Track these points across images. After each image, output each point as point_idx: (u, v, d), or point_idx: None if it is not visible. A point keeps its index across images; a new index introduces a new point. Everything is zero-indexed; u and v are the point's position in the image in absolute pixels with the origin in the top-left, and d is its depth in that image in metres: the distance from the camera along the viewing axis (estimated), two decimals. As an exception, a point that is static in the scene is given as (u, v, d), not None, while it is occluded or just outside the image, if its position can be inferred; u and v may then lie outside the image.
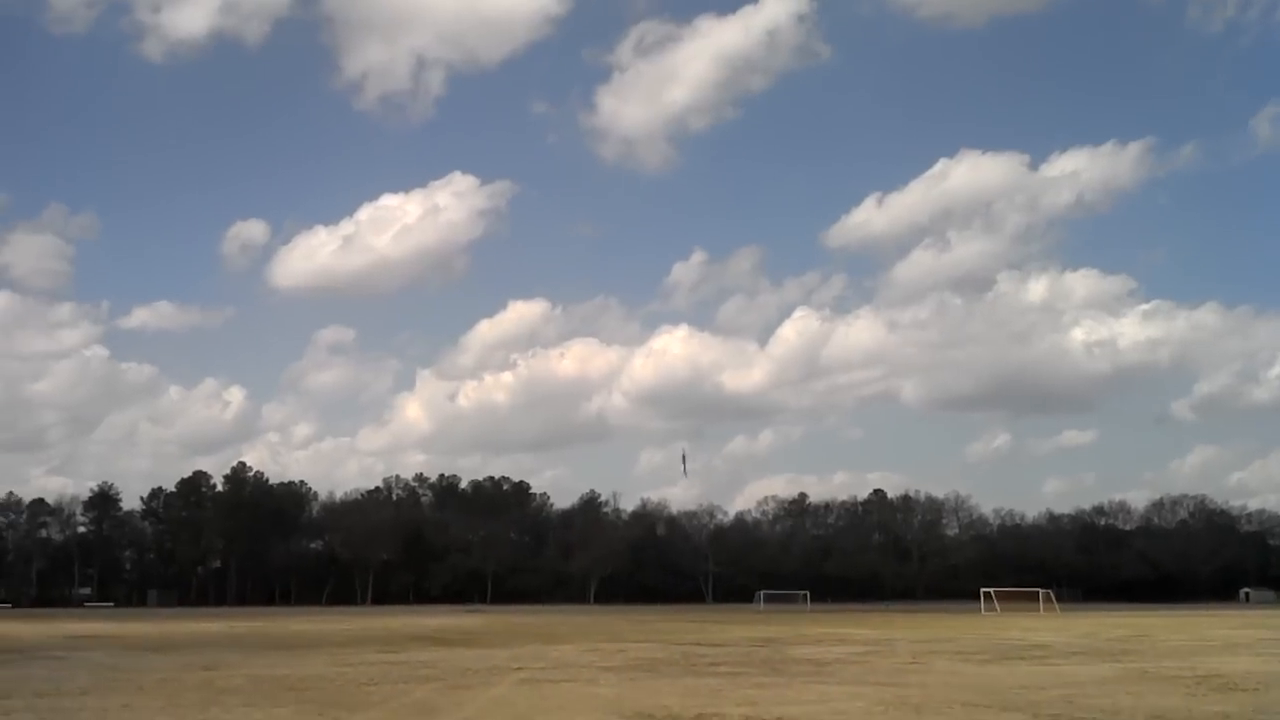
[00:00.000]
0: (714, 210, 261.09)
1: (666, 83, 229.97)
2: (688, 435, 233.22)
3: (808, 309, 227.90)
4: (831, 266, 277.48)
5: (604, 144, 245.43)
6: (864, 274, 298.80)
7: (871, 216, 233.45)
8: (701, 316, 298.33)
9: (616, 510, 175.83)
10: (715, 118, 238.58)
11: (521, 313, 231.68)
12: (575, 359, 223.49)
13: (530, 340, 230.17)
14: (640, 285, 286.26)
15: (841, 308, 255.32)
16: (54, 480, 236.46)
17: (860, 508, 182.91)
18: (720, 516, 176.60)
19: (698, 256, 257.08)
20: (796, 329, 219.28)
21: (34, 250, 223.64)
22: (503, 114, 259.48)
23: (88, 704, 20.16)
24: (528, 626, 63.62)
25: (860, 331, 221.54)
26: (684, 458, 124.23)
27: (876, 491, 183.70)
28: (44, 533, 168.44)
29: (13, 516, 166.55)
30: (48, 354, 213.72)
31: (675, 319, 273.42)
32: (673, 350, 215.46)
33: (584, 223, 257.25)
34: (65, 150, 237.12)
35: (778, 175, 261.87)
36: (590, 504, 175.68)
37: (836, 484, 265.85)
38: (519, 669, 28.96)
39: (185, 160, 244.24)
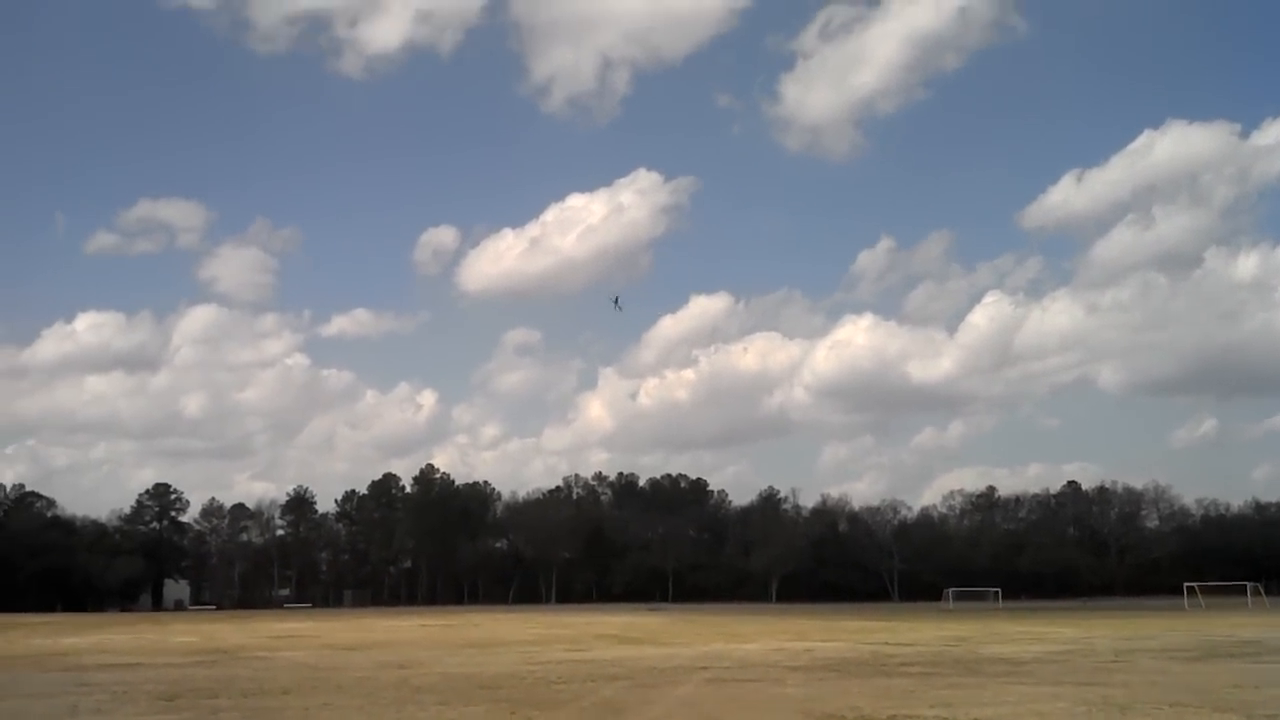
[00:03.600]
0: (903, 196, 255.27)
1: (854, 67, 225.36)
2: (871, 428, 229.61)
3: (1000, 293, 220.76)
4: (1027, 249, 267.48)
5: (788, 133, 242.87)
6: (1061, 255, 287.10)
7: (1070, 195, 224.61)
8: (887, 305, 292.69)
9: (796, 507, 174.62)
10: (904, 100, 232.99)
11: (704, 307, 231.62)
12: (757, 353, 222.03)
13: (712, 335, 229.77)
14: (824, 276, 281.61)
15: (1036, 291, 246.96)
16: (258, 485, 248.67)
17: (1053, 500, 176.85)
18: (905, 512, 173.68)
19: (885, 244, 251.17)
20: (988, 315, 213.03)
21: (240, 264, 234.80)
22: (687, 109, 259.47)
23: (290, 703, 20.81)
24: (711, 625, 63.55)
25: (1056, 315, 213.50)
26: (616, 300, 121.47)
27: (1071, 483, 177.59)
28: (245, 536, 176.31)
29: (215, 522, 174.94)
30: (253, 363, 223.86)
31: (860, 309, 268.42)
32: (857, 341, 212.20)
33: (767, 214, 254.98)
34: (269, 167, 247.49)
35: (970, 157, 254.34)
36: (769, 500, 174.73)
37: (1030, 476, 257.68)
38: (705, 668, 28.81)
39: (380, 171, 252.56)
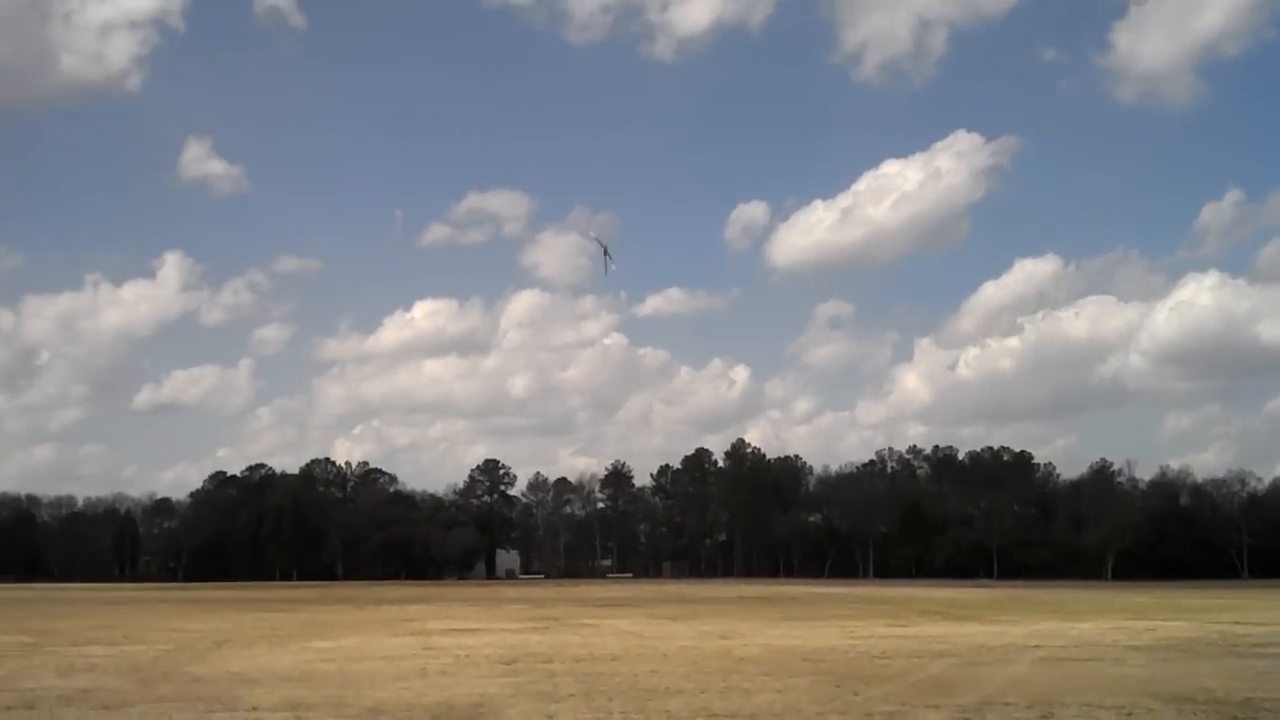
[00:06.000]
0: (1252, 144, 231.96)
1: (1194, 9, 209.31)
2: (1218, 395, 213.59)
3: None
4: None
5: (1121, 84, 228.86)
6: None
7: None
8: (1236, 262, 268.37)
9: (1132, 479, 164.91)
10: (1251, 41, 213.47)
11: (1029, 272, 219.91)
12: (1088, 318, 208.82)
13: (1038, 301, 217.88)
14: (1164, 233, 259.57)
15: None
16: (580, 460, 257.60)
17: None
18: (1255, 484, 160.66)
19: (1232, 196, 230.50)
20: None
21: (560, 250, 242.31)
22: (1009, 66, 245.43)
23: (619, 669, 21.43)
24: (1040, 602, 61.13)
25: None
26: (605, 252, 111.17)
27: None
28: (568, 509, 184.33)
29: (541, 495, 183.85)
30: (574, 344, 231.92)
31: (1204, 267, 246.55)
32: (1201, 302, 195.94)
33: (1098, 171, 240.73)
34: (586, 154, 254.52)
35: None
36: (1101, 473, 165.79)
37: None
38: (1037, 646, 27.70)
39: (691, 151, 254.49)
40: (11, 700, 16.62)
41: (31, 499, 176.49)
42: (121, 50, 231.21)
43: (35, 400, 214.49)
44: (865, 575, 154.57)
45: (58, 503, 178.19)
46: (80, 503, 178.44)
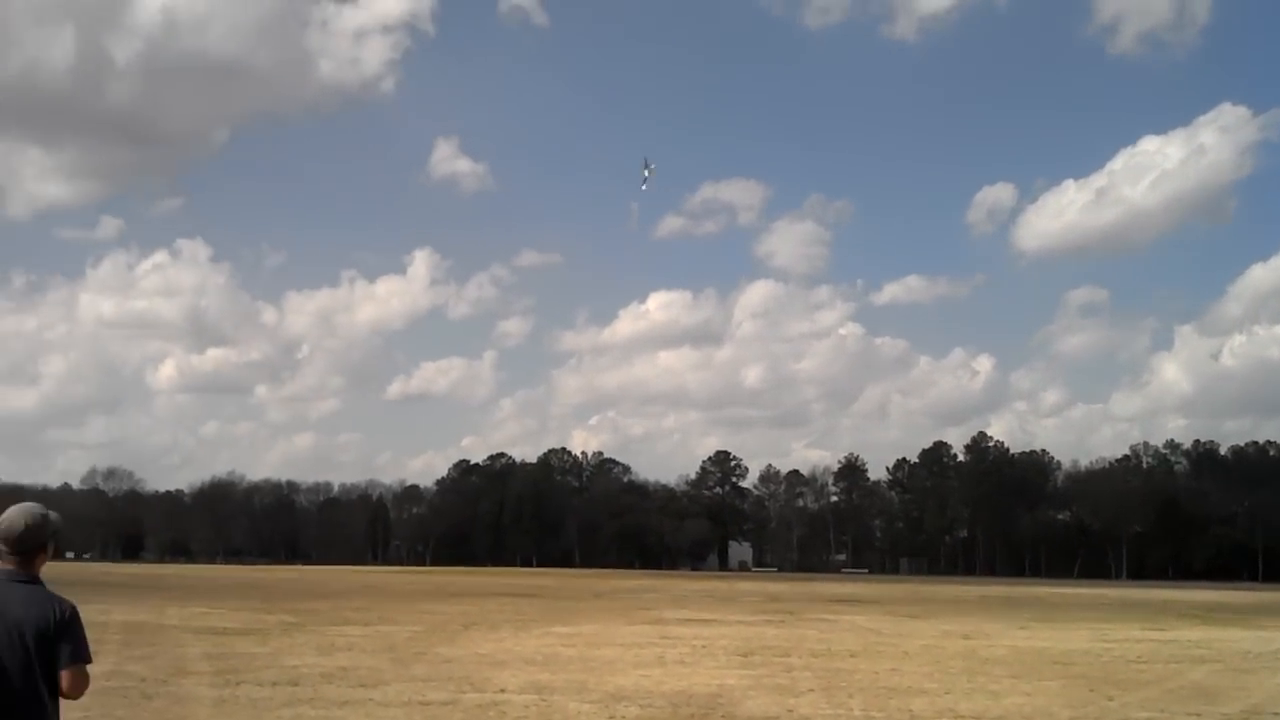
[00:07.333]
0: None
1: None
2: None
3: None
4: None
5: None
6: None
7: None
8: None
9: None
10: None
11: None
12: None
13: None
14: None
15: None
16: (813, 452, 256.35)
17: None
18: None
19: None
20: None
21: (795, 238, 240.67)
22: (1279, 33, 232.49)
23: (858, 665, 21.12)
24: (1312, 608, 56.96)
25: None
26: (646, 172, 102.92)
27: None
28: (800, 502, 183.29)
29: (773, 487, 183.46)
30: (808, 334, 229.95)
31: None
32: None
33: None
34: (823, 141, 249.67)
35: None
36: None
37: None
38: (1311, 655, 25.87)
39: (932, 134, 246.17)
40: (277, 676, 17.65)
41: (292, 485, 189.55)
42: (375, 54, 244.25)
43: (297, 391, 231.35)
44: (1118, 576, 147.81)
45: (316, 488, 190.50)
46: (336, 489, 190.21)
